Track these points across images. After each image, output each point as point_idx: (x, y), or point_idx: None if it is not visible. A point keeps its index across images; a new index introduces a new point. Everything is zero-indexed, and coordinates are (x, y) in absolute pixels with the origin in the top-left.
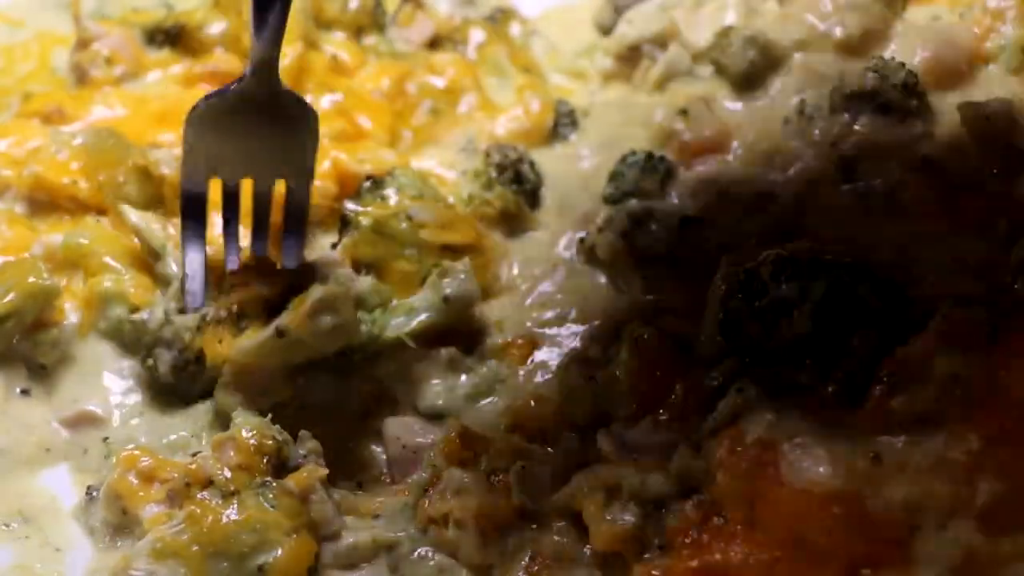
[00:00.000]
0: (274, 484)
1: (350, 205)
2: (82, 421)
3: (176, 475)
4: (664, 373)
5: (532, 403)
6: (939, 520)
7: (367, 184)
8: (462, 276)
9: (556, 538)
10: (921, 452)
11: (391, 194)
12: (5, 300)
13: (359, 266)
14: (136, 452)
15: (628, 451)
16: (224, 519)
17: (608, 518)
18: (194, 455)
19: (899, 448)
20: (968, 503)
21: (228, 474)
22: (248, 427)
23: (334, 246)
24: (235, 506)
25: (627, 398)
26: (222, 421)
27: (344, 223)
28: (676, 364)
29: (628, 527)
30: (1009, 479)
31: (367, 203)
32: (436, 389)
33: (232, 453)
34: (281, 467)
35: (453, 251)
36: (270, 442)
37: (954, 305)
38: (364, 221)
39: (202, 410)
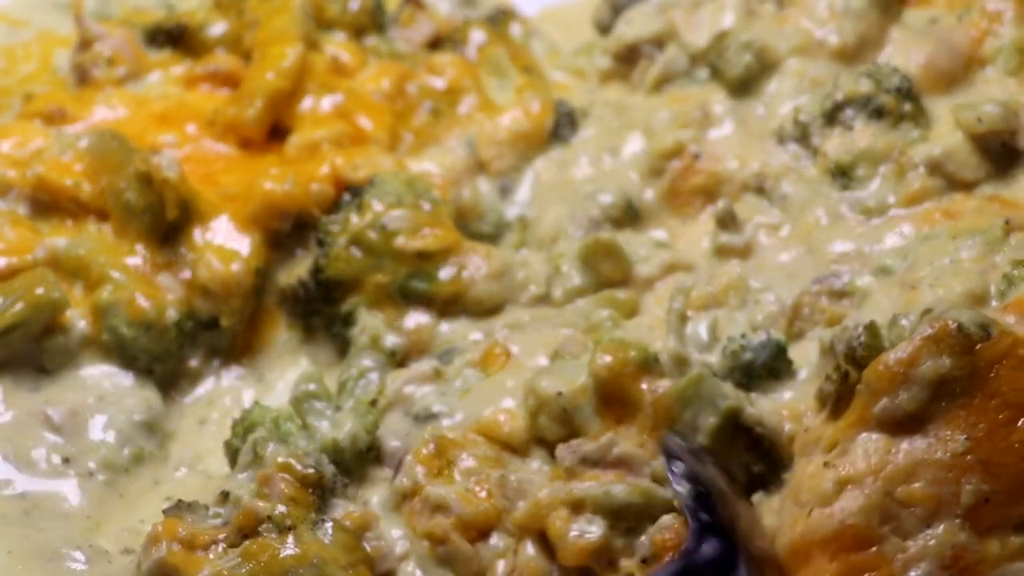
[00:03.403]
0: (329, 521)
1: (326, 221)
2: (66, 426)
3: (222, 535)
4: (632, 386)
5: (501, 418)
6: (923, 519)
7: (346, 197)
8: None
9: (527, 554)
10: (903, 453)
11: (371, 203)
12: (14, 310)
13: (335, 285)
14: (174, 519)
15: (589, 464)
16: (281, 553)
17: (574, 533)
18: (225, 495)
19: (880, 447)
20: (953, 502)
21: (283, 509)
22: (284, 456)
23: (312, 270)
24: (291, 540)
25: (596, 412)
26: None
27: (320, 243)
28: (644, 378)
29: (594, 540)
30: (996, 479)
31: (347, 214)
32: (427, 396)
33: (283, 487)
34: (323, 495)
35: (428, 257)
36: (312, 471)
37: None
38: (340, 240)
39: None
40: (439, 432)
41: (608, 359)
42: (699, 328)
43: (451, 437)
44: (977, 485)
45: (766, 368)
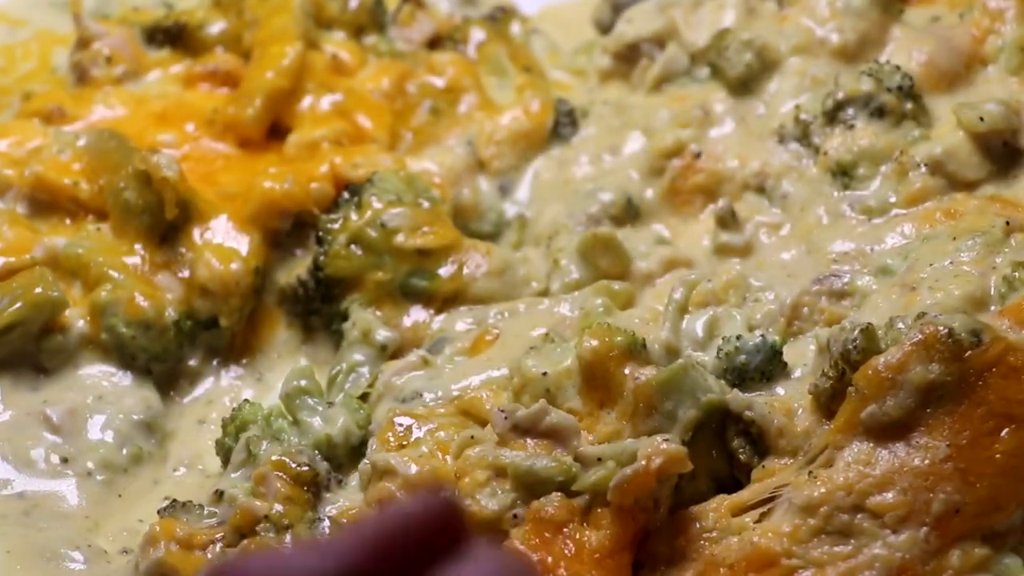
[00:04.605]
0: (326, 520)
1: (325, 219)
2: (65, 426)
3: (220, 535)
4: (616, 371)
5: (484, 396)
6: (891, 527)
7: (345, 195)
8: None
9: None
10: (882, 462)
11: (370, 201)
12: (12, 309)
13: (334, 283)
14: (171, 519)
15: (520, 432)
16: None
17: (480, 499)
18: (219, 494)
19: (862, 458)
20: (923, 511)
21: (280, 508)
22: (278, 454)
23: (311, 269)
24: (289, 540)
25: (579, 394)
26: None
27: (319, 241)
28: (629, 364)
29: (488, 513)
30: (971, 488)
31: (346, 212)
32: (414, 381)
33: (279, 486)
34: (318, 492)
35: (428, 255)
36: (306, 469)
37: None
38: (340, 238)
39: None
40: (405, 409)
41: (594, 342)
42: (696, 324)
43: (416, 411)
44: (950, 495)
45: (759, 371)
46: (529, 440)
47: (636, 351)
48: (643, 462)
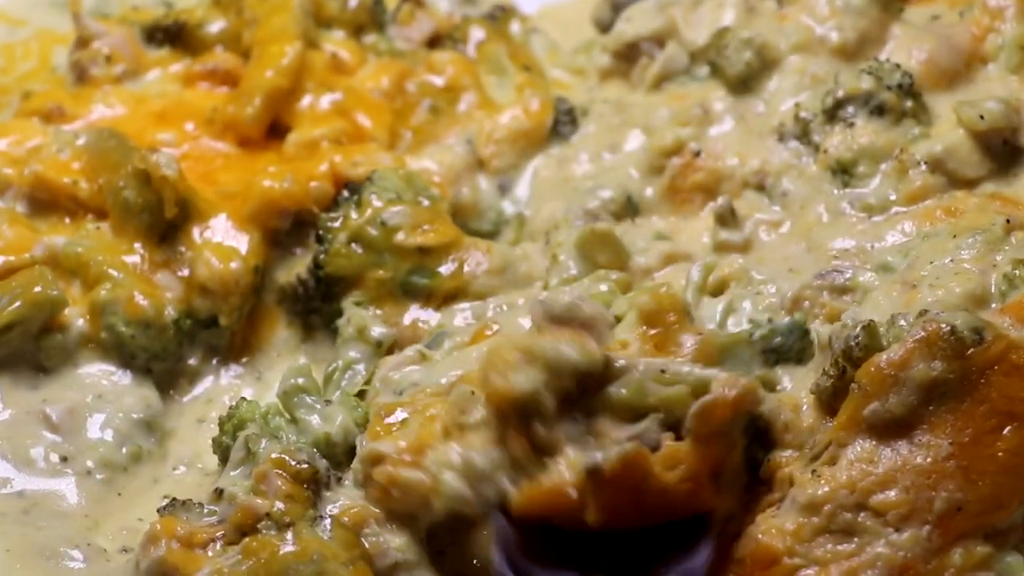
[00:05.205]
0: (328, 518)
1: (325, 218)
2: (64, 425)
3: (222, 532)
4: (679, 323)
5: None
6: (893, 525)
7: (344, 194)
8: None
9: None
10: (885, 460)
11: (370, 199)
12: (11, 308)
13: (335, 281)
14: (172, 518)
15: (557, 323)
16: (281, 550)
17: (513, 377)
18: (219, 492)
19: (865, 456)
20: (925, 509)
21: (281, 506)
22: (277, 452)
23: (311, 267)
24: (291, 537)
25: (635, 330)
26: None
27: (319, 239)
28: (687, 323)
29: (521, 391)
30: (973, 487)
31: (346, 211)
32: (411, 375)
33: (279, 483)
34: (318, 489)
35: (429, 253)
36: (306, 467)
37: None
38: (340, 236)
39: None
40: (393, 401)
41: (652, 300)
42: (716, 308)
43: (403, 400)
44: (952, 493)
45: (793, 351)
46: (565, 331)
47: (690, 315)
48: (721, 391)
